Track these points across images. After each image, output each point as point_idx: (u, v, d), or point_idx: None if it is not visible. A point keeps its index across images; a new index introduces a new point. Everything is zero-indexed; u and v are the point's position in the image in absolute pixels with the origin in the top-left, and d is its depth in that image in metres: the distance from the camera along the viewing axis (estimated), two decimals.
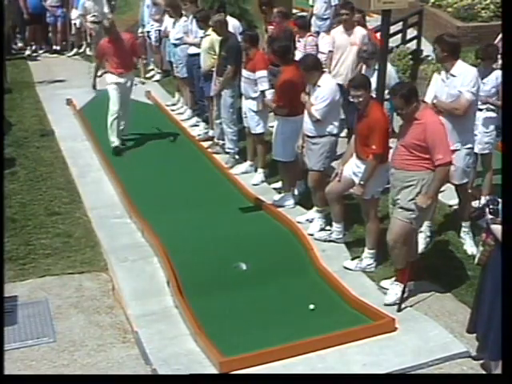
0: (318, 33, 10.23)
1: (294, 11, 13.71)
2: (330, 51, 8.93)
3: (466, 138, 6.29)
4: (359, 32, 8.76)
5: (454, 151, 6.25)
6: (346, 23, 8.82)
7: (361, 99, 6.04)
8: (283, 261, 6.50)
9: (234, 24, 9.63)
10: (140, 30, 12.71)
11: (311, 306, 5.76)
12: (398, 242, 5.63)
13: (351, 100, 6.26)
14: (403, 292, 5.70)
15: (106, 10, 13.25)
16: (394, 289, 5.76)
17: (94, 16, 12.98)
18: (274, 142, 7.60)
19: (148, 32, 12.46)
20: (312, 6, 11.84)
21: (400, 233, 5.62)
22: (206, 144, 9.46)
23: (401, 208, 5.60)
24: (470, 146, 6.36)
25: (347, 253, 6.60)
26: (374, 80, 7.02)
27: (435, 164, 5.42)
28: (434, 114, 5.68)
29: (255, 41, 8.18)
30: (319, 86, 6.74)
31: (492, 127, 7.10)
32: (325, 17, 11.31)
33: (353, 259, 6.45)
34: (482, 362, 5.02)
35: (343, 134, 8.41)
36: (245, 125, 8.39)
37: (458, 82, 6.16)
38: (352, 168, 6.26)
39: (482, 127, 7.04)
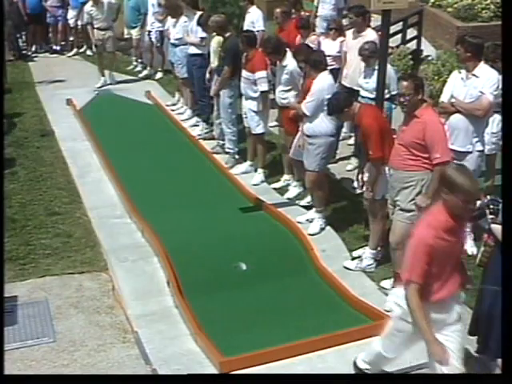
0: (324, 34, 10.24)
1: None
2: (344, 52, 8.96)
3: (478, 140, 6.29)
4: (369, 36, 8.71)
5: (466, 153, 6.26)
6: (356, 26, 8.82)
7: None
8: (283, 261, 6.50)
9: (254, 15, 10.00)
10: (126, 32, 12.58)
11: None
12: (400, 243, 5.60)
13: None
14: None
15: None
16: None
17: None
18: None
19: (149, 32, 12.45)
20: (317, 7, 11.82)
21: (402, 234, 5.59)
22: (207, 143, 9.46)
23: (401, 210, 5.59)
24: (481, 148, 6.36)
25: (347, 253, 6.60)
26: (373, 80, 6.99)
27: (433, 163, 5.39)
28: (434, 113, 5.64)
29: (253, 41, 8.17)
30: (314, 84, 6.77)
31: (499, 128, 7.08)
32: (328, 18, 11.30)
33: (353, 259, 6.45)
34: (482, 362, 5.00)
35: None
36: (245, 125, 8.40)
37: (480, 83, 6.12)
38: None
39: (490, 128, 6.99)
